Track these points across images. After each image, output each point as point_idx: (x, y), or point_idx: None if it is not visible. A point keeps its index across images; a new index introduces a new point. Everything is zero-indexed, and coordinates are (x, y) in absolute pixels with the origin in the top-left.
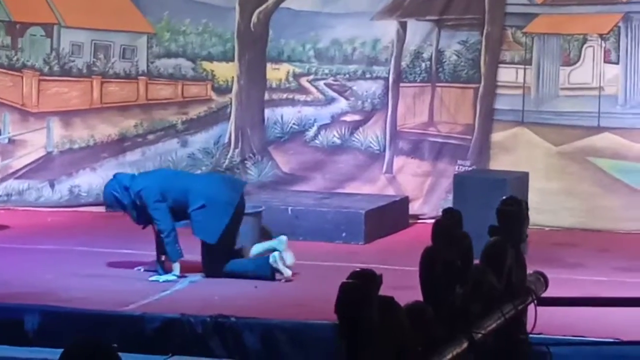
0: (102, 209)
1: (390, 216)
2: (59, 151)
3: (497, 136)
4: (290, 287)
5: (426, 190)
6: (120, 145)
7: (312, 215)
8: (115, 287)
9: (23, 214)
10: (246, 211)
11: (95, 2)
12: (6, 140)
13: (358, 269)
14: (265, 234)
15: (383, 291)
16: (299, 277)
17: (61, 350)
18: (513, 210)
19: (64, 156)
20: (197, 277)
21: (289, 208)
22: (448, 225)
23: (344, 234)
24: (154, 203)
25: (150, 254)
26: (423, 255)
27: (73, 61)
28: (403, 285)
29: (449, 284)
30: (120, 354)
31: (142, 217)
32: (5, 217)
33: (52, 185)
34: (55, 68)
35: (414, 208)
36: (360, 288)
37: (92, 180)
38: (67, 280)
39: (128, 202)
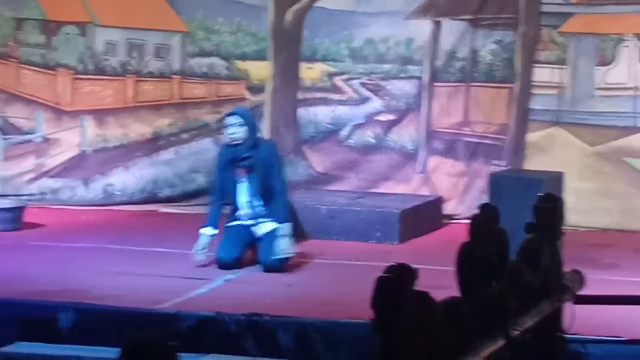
0: (136, 207)
1: (425, 216)
2: (92, 150)
3: (532, 136)
4: (325, 285)
5: (461, 190)
6: (154, 144)
7: (346, 215)
8: (149, 285)
9: (57, 213)
10: None
11: (129, 1)
12: (40, 139)
13: (394, 263)
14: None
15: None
16: (334, 276)
17: (95, 347)
18: (549, 207)
19: (98, 155)
20: (232, 275)
21: (323, 207)
22: (484, 220)
23: (378, 234)
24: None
25: (183, 252)
26: (459, 250)
27: (107, 60)
28: (437, 285)
29: (485, 279)
30: None
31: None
32: (39, 215)
33: (86, 184)
34: (90, 67)
35: (448, 208)
36: (396, 282)
37: (125, 179)
38: (100, 278)
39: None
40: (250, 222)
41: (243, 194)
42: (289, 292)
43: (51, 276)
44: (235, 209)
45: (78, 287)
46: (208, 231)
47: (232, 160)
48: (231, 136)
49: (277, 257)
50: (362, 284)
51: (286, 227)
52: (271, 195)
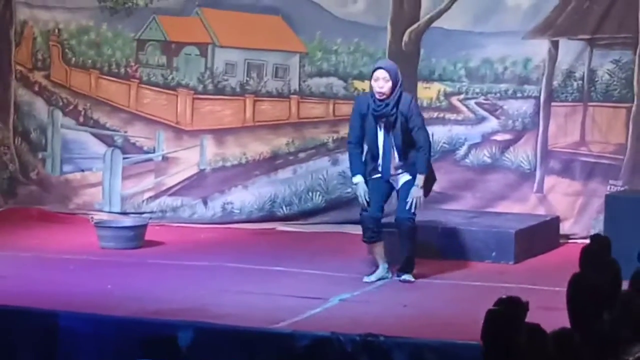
0: (254, 225)
1: (541, 236)
2: (211, 169)
3: None
4: (440, 306)
5: (577, 210)
6: (272, 163)
7: (462, 235)
8: (266, 304)
9: (177, 230)
10: (393, 229)
11: (249, 22)
12: (160, 158)
13: (504, 296)
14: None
15: (533, 312)
16: (449, 297)
17: None
18: None
19: (217, 173)
20: (347, 294)
21: (439, 227)
22: (596, 251)
23: (494, 254)
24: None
25: (299, 270)
26: (570, 281)
27: (227, 80)
28: (552, 307)
29: (597, 309)
30: None
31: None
32: (160, 233)
33: (205, 202)
34: (209, 87)
35: (564, 228)
36: (507, 315)
37: (244, 197)
38: (219, 297)
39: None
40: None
41: (384, 146)
42: (405, 312)
43: (171, 294)
44: (375, 159)
45: (197, 306)
46: (360, 179)
47: (374, 113)
48: (379, 90)
49: (408, 209)
50: (477, 305)
51: (421, 179)
52: (412, 147)
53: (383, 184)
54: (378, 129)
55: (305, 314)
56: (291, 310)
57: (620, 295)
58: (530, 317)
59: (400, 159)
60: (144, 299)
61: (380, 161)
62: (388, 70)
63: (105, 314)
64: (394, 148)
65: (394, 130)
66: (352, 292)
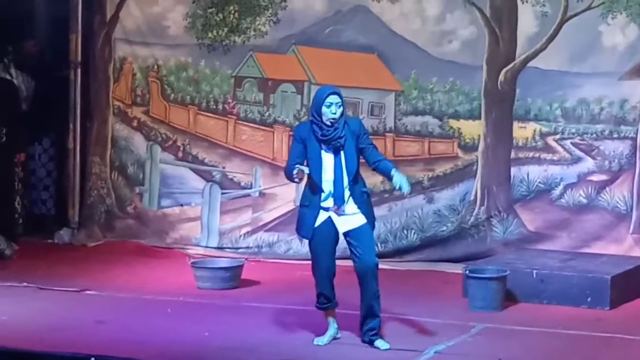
0: (348, 262)
1: (637, 279)
2: None
3: None
4: (536, 358)
5: None
6: None
7: (557, 279)
8: (359, 356)
9: (272, 267)
10: (491, 275)
11: (345, 60)
12: (257, 193)
13: None
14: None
15: None
16: (545, 347)
17: None
18: None
19: None
20: (442, 346)
21: (534, 271)
22: None
23: (589, 299)
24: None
25: (398, 316)
26: None
27: None
28: None
29: None
30: None
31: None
32: (256, 269)
33: (300, 239)
34: None
35: None
36: None
37: None
38: (313, 347)
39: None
40: (332, 211)
41: (330, 171)
42: None
43: (267, 344)
44: (318, 190)
45: (293, 358)
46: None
47: (323, 138)
48: (332, 116)
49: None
50: (572, 357)
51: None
52: (360, 176)
53: (328, 233)
54: (324, 153)
55: None
56: None
57: None
58: None
59: (350, 186)
60: (240, 349)
61: (329, 190)
62: (339, 95)
63: None
64: (346, 172)
65: (345, 152)
66: (447, 343)
